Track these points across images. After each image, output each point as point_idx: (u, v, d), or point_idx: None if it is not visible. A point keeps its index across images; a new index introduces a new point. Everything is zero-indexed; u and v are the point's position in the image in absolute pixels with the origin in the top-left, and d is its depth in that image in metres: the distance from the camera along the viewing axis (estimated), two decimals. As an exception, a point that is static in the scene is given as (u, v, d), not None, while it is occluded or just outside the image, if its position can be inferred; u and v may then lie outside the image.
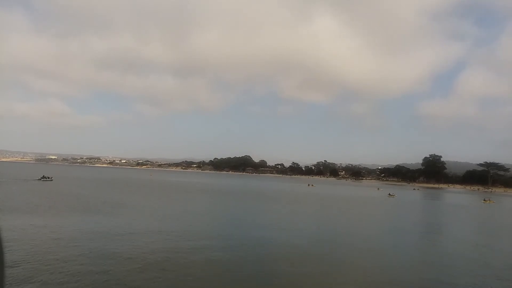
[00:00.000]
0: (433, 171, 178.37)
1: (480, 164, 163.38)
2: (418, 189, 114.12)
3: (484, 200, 65.33)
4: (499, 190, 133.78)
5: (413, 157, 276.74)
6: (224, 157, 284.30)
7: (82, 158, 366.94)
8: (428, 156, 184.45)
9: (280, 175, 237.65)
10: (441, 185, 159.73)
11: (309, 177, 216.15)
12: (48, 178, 60.13)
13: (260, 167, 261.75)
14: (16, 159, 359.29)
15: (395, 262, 15.12)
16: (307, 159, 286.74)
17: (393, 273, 13.17)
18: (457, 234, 25.06)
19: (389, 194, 67.53)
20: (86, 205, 28.94)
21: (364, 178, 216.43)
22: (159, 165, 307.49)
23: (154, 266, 12.15)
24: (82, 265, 11.88)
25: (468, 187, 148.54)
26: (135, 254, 13.56)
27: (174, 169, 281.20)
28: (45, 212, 24.09)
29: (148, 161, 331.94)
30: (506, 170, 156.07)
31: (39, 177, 60.08)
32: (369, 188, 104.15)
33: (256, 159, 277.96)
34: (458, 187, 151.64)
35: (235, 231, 20.46)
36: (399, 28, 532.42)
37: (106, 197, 36.79)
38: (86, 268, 11.50)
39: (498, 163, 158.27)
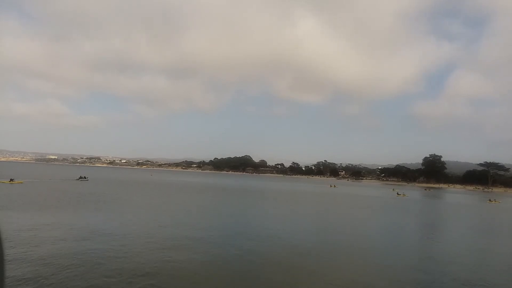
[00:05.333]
0: (433, 171, 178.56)
1: (480, 164, 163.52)
2: (429, 190, 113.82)
3: (490, 200, 66.12)
4: (499, 190, 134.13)
5: (413, 157, 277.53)
6: (224, 157, 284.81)
7: (82, 158, 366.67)
8: (428, 156, 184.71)
9: (281, 175, 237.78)
10: (441, 185, 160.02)
11: (309, 177, 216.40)
12: (85, 178, 63.86)
13: (260, 167, 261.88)
14: (16, 159, 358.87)
15: (413, 260, 15.41)
16: (307, 159, 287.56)
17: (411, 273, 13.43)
18: (469, 234, 25.38)
19: (397, 194, 70.11)
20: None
21: (364, 178, 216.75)
22: (159, 165, 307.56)
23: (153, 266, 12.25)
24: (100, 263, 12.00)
25: (468, 187, 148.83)
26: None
27: (174, 169, 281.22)
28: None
29: (148, 161, 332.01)
30: (506, 170, 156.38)
31: (77, 177, 63.98)
32: (382, 189, 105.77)
33: (256, 159, 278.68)
34: (458, 187, 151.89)
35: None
36: (386, 29, 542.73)
37: (140, 197, 37.84)
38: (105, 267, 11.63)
39: (498, 163, 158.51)
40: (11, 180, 46.98)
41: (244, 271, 12.27)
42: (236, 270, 12.34)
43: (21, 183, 47.00)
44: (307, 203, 44.23)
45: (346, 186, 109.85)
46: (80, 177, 63.93)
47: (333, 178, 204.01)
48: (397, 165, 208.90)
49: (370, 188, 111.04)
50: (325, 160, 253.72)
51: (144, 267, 11.74)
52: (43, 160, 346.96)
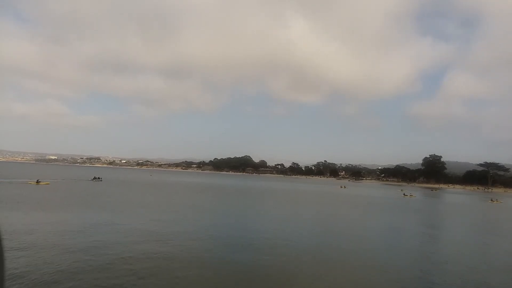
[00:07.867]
0: (433, 171, 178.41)
1: (480, 164, 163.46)
2: (434, 190, 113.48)
3: (491, 200, 66.56)
4: (499, 190, 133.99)
5: (413, 157, 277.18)
6: (224, 157, 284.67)
7: (82, 158, 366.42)
8: (428, 156, 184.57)
9: (281, 175, 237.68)
10: (441, 185, 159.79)
11: (308, 177, 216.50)
12: (99, 178, 66.17)
13: (260, 167, 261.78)
14: (15, 159, 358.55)
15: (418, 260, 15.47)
16: (307, 159, 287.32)
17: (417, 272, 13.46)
18: (476, 234, 25.54)
19: (404, 194, 69.86)
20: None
21: (364, 178, 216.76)
22: (159, 165, 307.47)
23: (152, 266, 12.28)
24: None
25: (468, 187, 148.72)
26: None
27: (174, 169, 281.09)
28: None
29: (148, 161, 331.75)
30: (506, 170, 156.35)
31: (91, 178, 66.33)
32: (387, 189, 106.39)
33: (256, 159, 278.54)
34: (458, 187, 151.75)
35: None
36: (380, 30, 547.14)
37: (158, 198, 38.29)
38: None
39: (498, 163, 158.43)
40: (38, 181, 48.01)
41: (243, 271, 12.28)
42: (235, 270, 12.34)
43: (48, 184, 47.84)
44: (330, 206, 43.62)
45: (354, 187, 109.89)
46: (94, 178, 66.57)
47: (333, 178, 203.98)
48: (397, 165, 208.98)
49: (376, 188, 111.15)
50: (325, 160, 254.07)
51: (147, 267, 11.79)
52: (43, 160, 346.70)
